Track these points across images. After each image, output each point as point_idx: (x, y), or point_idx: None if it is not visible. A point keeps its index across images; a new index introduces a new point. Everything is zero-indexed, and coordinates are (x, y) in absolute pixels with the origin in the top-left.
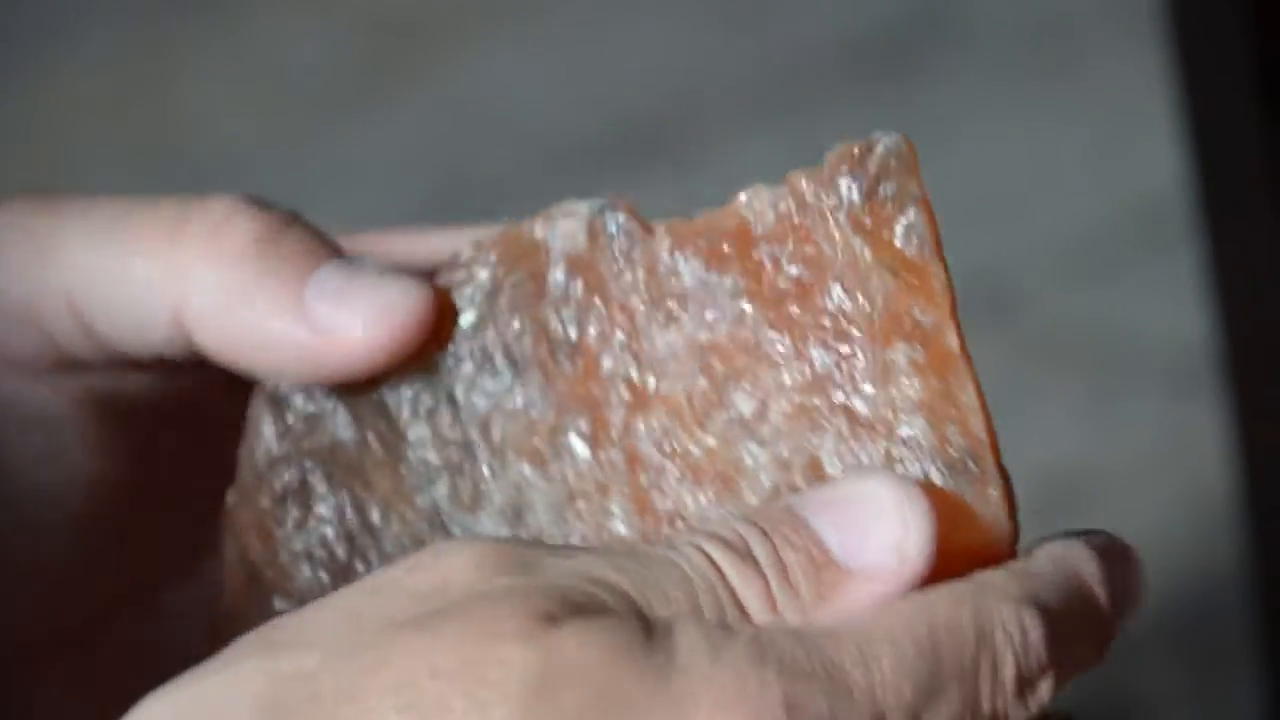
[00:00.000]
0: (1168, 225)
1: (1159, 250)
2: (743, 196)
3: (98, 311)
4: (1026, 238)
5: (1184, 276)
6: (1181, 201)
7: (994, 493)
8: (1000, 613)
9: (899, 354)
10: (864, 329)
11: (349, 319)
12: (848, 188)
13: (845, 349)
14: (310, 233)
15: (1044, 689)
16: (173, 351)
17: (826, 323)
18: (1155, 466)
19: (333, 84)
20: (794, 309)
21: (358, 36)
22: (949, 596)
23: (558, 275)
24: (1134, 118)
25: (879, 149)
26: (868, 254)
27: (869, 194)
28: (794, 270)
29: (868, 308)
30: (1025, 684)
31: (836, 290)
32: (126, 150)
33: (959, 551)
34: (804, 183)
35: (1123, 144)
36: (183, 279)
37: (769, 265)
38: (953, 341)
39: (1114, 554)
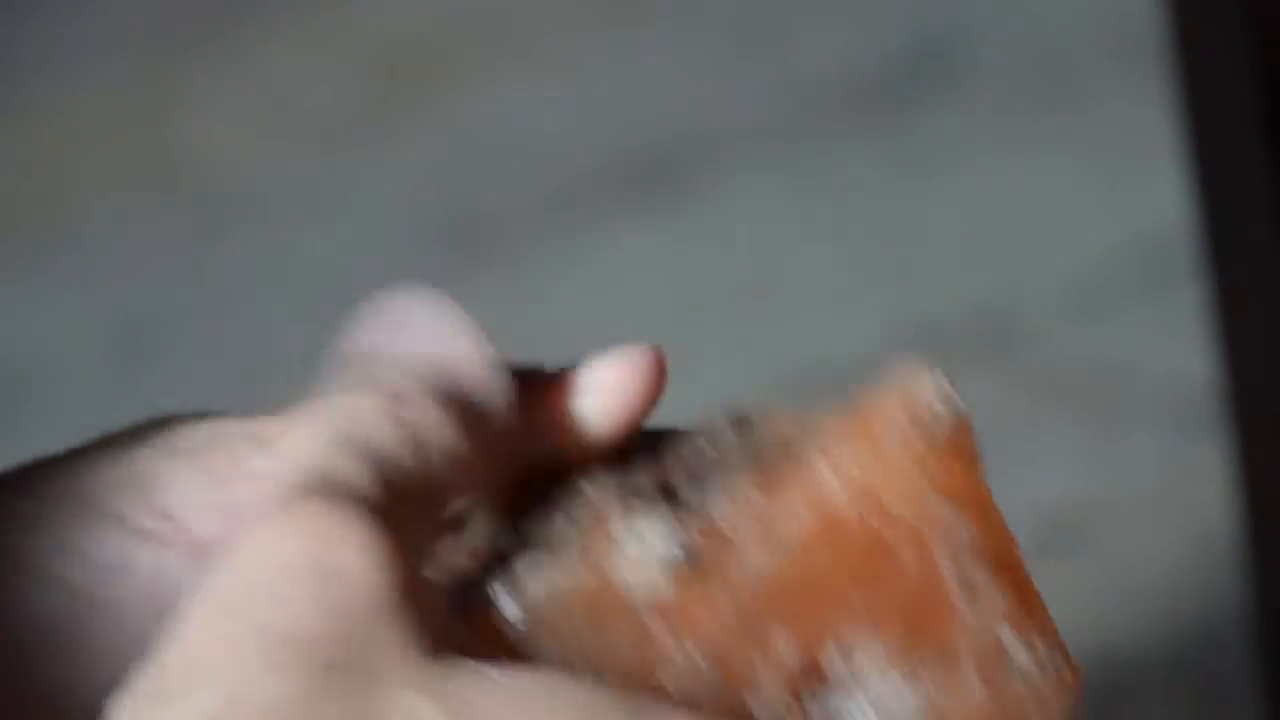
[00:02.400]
0: (1172, 262)
1: (1163, 287)
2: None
3: None
4: (1030, 273)
5: (1188, 314)
6: (1186, 239)
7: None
8: None
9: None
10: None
11: (607, 368)
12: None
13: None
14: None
15: None
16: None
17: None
18: (1158, 503)
19: (337, 117)
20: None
21: (363, 70)
22: None
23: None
24: (1139, 154)
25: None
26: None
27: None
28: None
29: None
30: None
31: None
32: (131, 180)
33: None
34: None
35: (1127, 180)
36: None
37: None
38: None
39: None
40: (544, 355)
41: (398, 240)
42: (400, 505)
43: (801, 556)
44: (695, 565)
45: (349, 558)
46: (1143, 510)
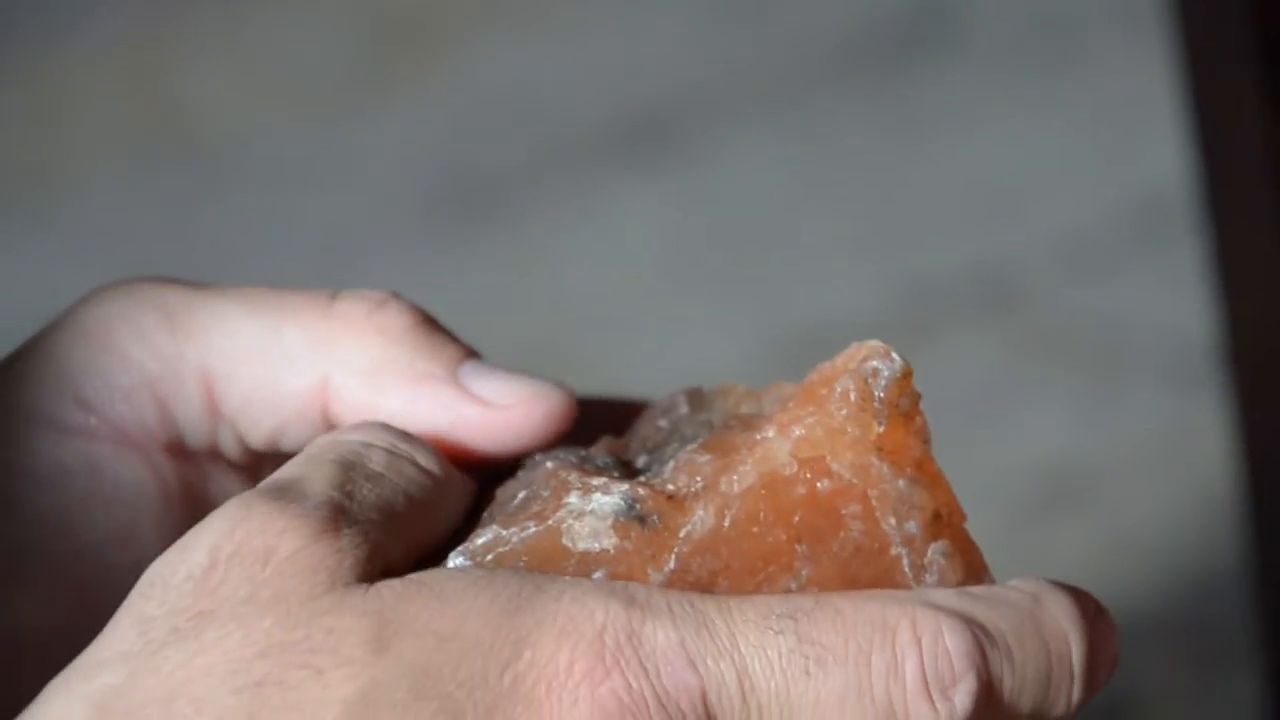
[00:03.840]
0: (1170, 220)
1: (1161, 245)
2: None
3: (234, 382)
4: (1028, 232)
5: (1186, 271)
6: (1183, 196)
7: None
8: (914, 613)
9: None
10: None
11: (509, 393)
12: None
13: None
14: (453, 336)
15: (960, 698)
16: (296, 429)
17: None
18: (1156, 461)
19: (336, 77)
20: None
21: (361, 30)
22: (862, 592)
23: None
24: (1136, 112)
25: (883, 376)
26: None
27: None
28: (852, 525)
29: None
30: (934, 685)
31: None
32: (127, 141)
33: None
34: (825, 420)
35: (1125, 139)
36: (334, 349)
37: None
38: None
39: (1092, 616)
40: (542, 315)
41: (397, 202)
42: (372, 513)
43: (744, 514)
44: (641, 523)
45: (282, 543)
46: (1141, 467)
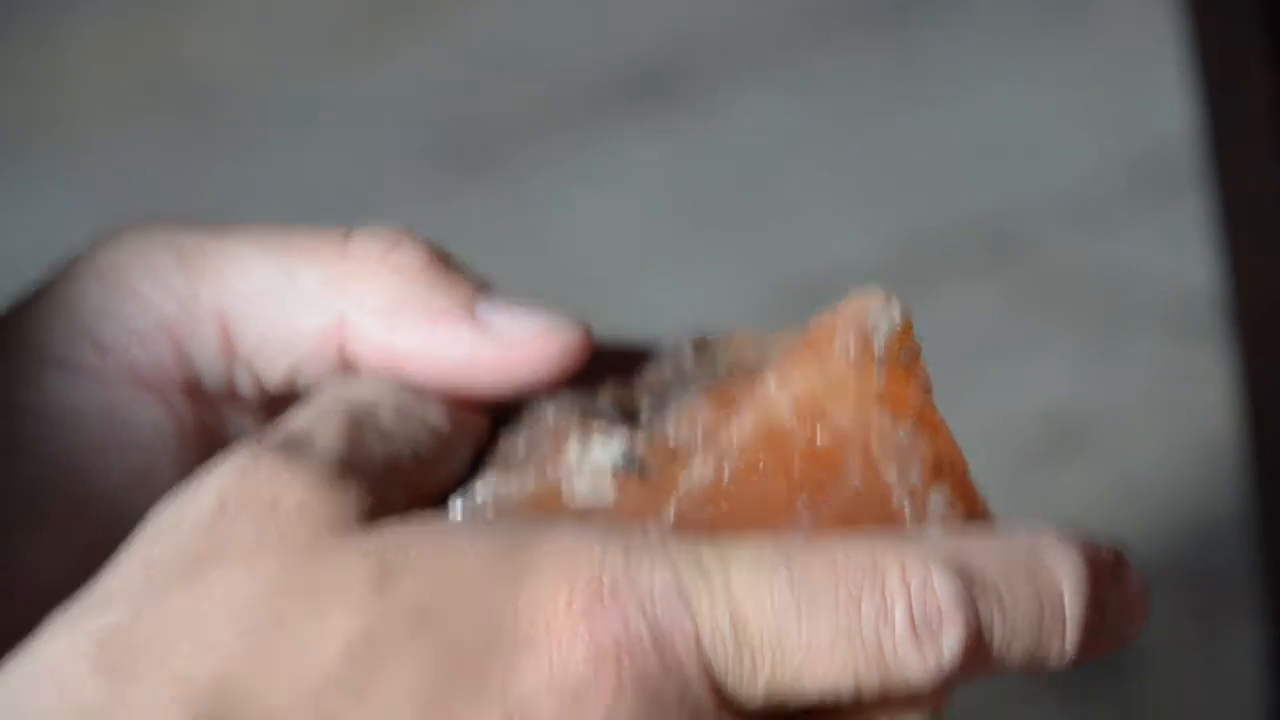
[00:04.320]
0: (1174, 171)
1: (1165, 196)
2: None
3: (250, 322)
4: (1031, 183)
5: (1190, 222)
6: (1188, 147)
7: None
8: (904, 557)
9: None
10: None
11: (526, 327)
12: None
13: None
14: (467, 271)
15: (948, 643)
16: (312, 369)
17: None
18: (1159, 411)
19: (339, 27)
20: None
21: None
22: (855, 536)
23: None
24: (1142, 63)
25: (883, 330)
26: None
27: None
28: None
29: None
30: (922, 630)
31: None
32: (133, 96)
33: None
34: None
35: (1130, 90)
36: (349, 287)
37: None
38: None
39: (1105, 567)
40: (543, 268)
41: (397, 153)
42: (378, 469)
43: (743, 465)
44: (640, 475)
45: (288, 493)
46: (1144, 415)
